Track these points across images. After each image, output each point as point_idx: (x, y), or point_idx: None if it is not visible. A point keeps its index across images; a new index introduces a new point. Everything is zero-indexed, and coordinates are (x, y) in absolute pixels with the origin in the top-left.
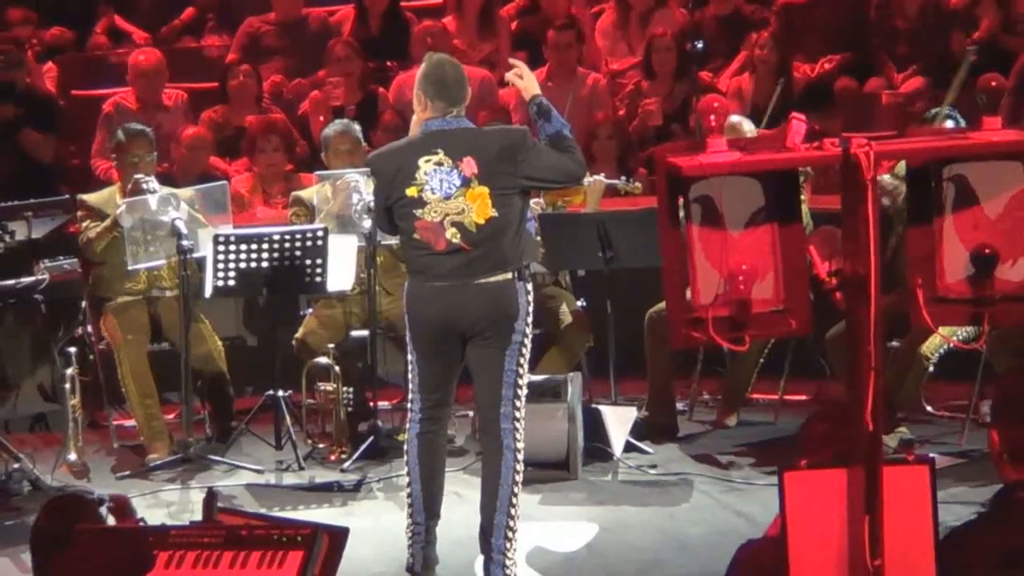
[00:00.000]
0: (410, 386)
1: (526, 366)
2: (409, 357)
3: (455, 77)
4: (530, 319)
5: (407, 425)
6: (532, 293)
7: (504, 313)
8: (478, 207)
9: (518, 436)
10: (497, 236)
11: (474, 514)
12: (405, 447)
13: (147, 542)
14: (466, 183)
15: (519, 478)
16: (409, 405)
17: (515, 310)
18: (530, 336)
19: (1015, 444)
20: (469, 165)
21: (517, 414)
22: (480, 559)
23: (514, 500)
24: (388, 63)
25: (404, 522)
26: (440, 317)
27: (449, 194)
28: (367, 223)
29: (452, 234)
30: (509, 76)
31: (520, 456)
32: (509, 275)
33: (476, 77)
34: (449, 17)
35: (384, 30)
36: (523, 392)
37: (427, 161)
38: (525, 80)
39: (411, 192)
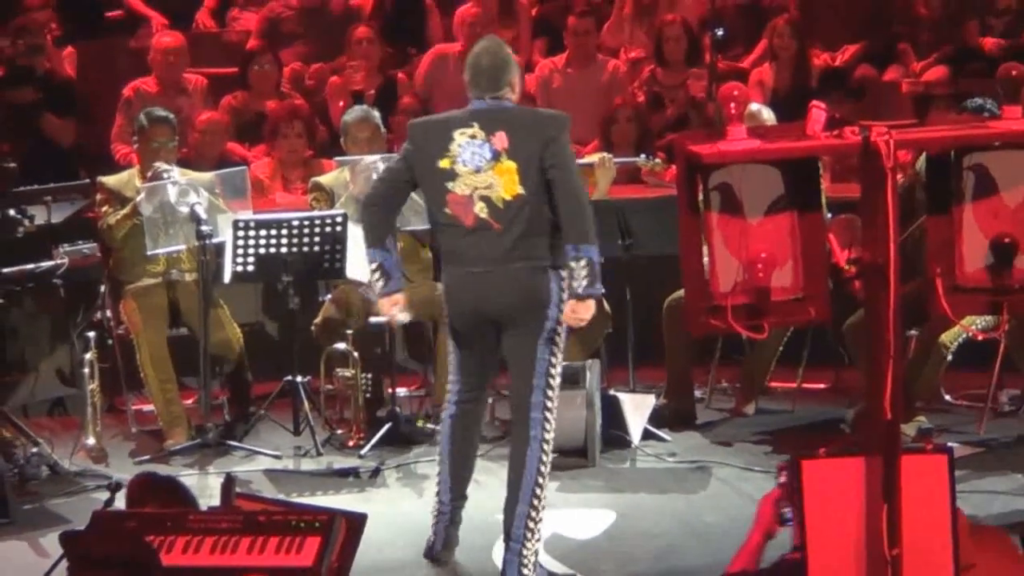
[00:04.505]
0: (449, 368)
1: (560, 356)
2: (449, 341)
3: (488, 64)
4: (562, 306)
5: (444, 407)
6: (566, 280)
7: (536, 301)
8: (506, 182)
9: (547, 427)
10: (525, 215)
11: (491, 500)
12: (439, 427)
13: (149, 550)
14: (496, 156)
15: (545, 469)
16: (448, 387)
17: (547, 297)
18: (564, 326)
19: None
20: (500, 139)
21: (548, 403)
22: (499, 545)
23: (538, 491)
24: (409, 49)
25: (421, 508)
26: (474, 305)
27: (479, 167)
28: None
29: (480, 208)
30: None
31: (548, 448)
32: (541, 262)
33: None
34: (470, 3)
35: (403, 15)
36: (556, 382)
37: (462, 134)
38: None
39: (444, 164)
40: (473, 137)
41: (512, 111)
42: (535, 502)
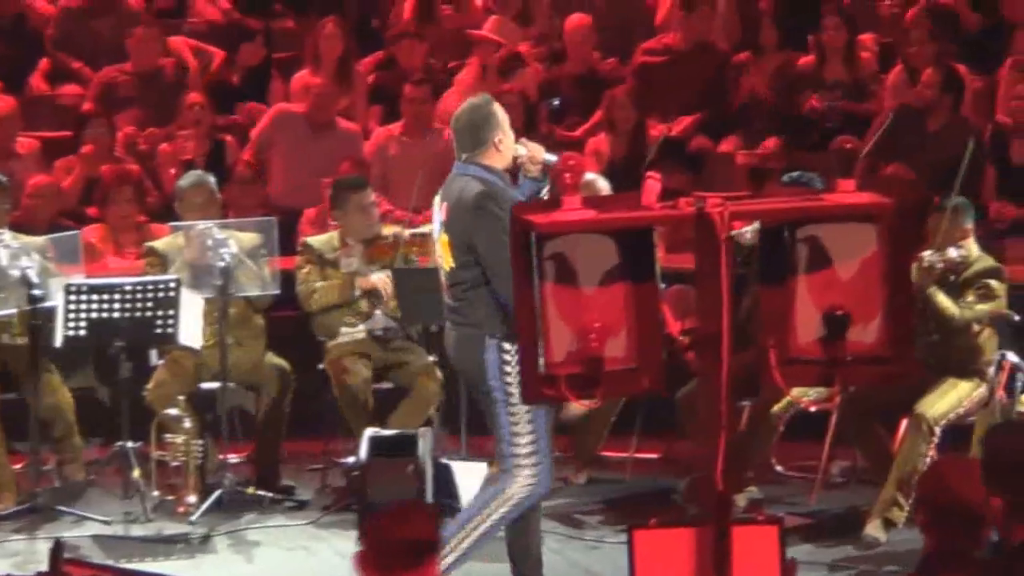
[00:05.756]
0: None
1: (521, 422)
2: None
3: (464, 123)
4: (508, 378)
5: None
6: (510, 353)
7: (472, 364)
8: (444, 254)
9: (515, 483)
10: (461, 287)
11: (330, 570)
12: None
13: None
14: (442, 227)
15: (493, 518)
16: None
17: (483, 367)
18: (514, 394)
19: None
20: (444, 210)
21: (518, 461)
22: None
23: (470, 528)
24: (236, 116)
25: (251, 574)
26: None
27: (436, 236)
28: (221, 265)
29: (442, 274)
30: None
31: (507, 502)
32: (476, 329)
33: (350, 130)
34: (306, 70)
35: (246, 79)
36: (523, 444)
37: (438, 200)
38: None
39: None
40: (439, 206)
41: (461, 180)
42: (463, 535)
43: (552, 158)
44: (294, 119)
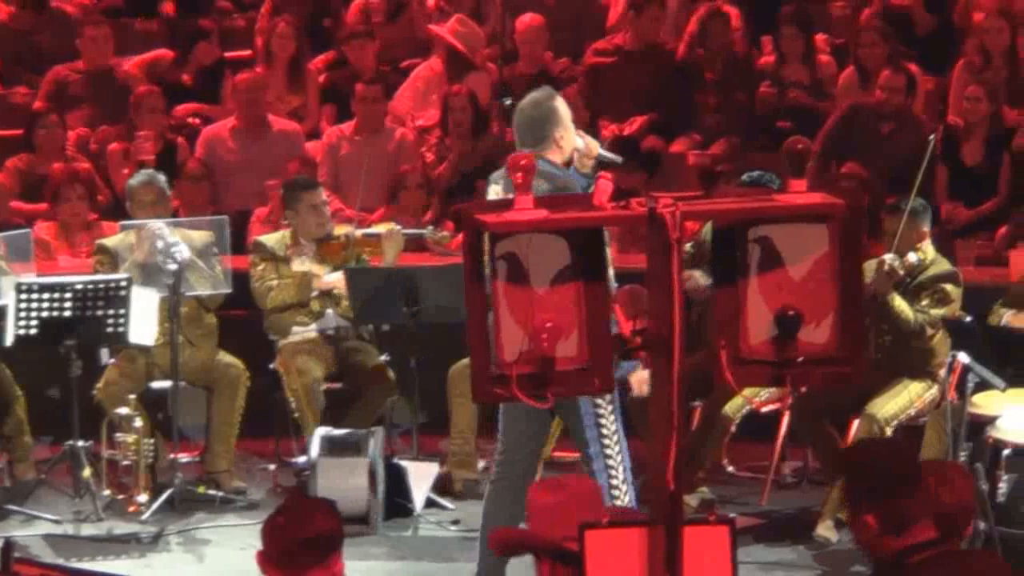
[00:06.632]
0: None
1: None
2: None
3: (526, 117)
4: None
5: None
6: None
7: None
8: None
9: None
10: None
11: None
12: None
13: None
14: None
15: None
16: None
17: None
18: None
19: (893, 516)
20: None
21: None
22: None
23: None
24: (192, 119)
25: (202, 573)
26: None
27: None
28: (172, 267)
29: None
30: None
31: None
32: None
33: (288, 130)
34: (258, 68)
35: (199, 79)
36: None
37: (493, 191)
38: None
39: None
40: (497, 194)
41: (542, 170)
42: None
43: (608, 155)
44: (222, 139)
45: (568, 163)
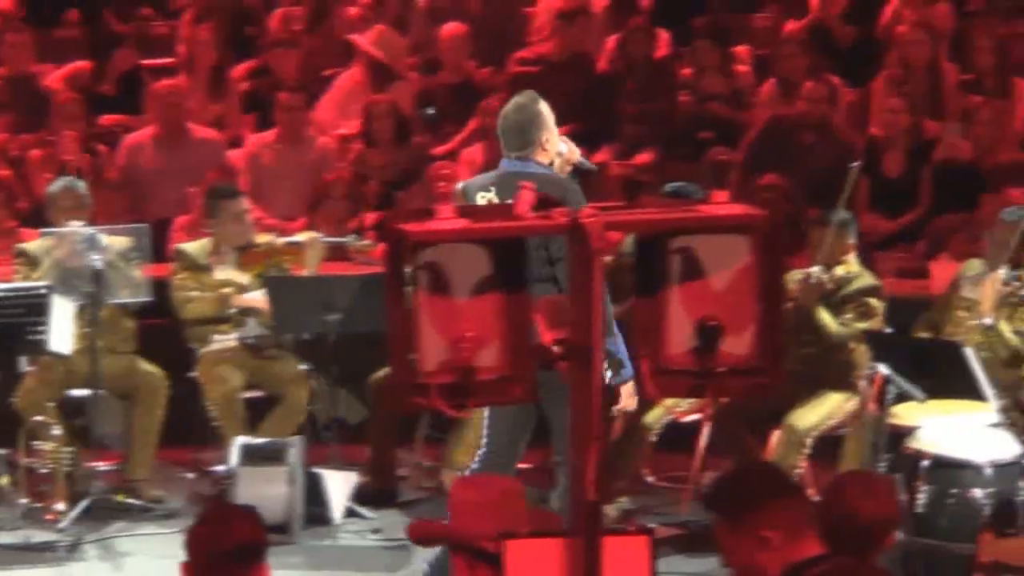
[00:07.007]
0: None
1: None
2: None
3: (511, 122)
4: None
5: None
6: None
7: None
8: None
9: None
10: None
11: None
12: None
13: None
14: None
15: None
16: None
17: None
18: None
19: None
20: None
21: None
22: None
23: None
24: (115, 128)
25: None
26: None
27: None
28: (96, 263)
29: None
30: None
31: None
32: None
33: (209, 138)
34: (180, 76)
35: (120, 88)
36: None
37: (482, 197)
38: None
39: None
40: (489, 203)
41: (535, 174)
42: None
43: (585, 161)
44: (142, 148)
45: (549, 167)
